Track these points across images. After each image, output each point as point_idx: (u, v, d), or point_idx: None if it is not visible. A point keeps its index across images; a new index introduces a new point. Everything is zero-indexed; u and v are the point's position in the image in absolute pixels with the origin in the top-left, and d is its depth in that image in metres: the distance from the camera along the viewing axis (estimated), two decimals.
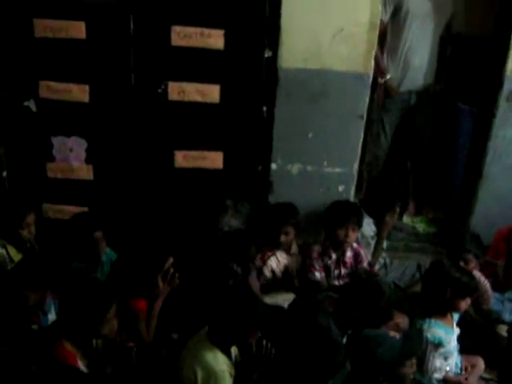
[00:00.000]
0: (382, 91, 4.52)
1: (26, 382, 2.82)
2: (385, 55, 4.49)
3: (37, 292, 3.21)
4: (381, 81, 4.44)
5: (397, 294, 3.98)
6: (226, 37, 3.71)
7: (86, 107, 3.85)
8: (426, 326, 3.25)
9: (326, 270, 4.02)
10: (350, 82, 3.83)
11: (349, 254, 4.05)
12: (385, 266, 4.40)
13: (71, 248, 3.73)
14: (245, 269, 3.65)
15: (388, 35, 4.44)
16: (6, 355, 2.96)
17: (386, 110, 4.61)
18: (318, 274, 3.98)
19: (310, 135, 3.95)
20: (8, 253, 3.66)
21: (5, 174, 4.07)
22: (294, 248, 4.04)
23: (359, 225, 4.01)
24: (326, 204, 4.03)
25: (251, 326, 2.99)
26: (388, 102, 4.60)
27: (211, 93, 3.81)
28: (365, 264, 4.07)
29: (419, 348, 3.11)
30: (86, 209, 4.07)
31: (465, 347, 3.49)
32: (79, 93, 3.80)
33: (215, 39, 3.71)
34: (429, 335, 3.22)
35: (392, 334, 3.04)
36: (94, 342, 3.02)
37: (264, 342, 3.02)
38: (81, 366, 2.83)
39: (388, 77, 4.50)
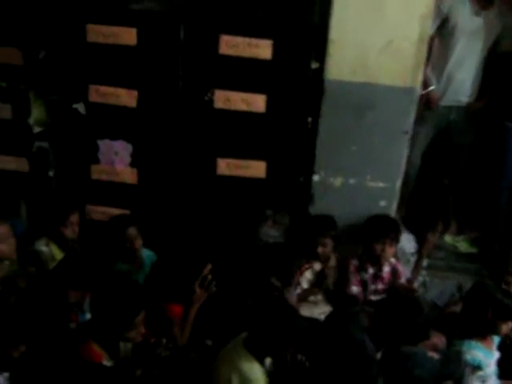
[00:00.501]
0: (422, 102, 4.44)
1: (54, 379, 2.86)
2: (429, 67, 4.43)
3: (77, 291, 3.26)
4: (422, 92, 4.37)
5: (435, 313, 3.92)
6: (274, 47, 3.72)
7: (133, 112, 3.91)
8: (465, 348, 3.19)
9: (363, 284, 3.99)
10: (396, 96, 3.79)
11: (386, 269, 4.01)
12: (424, 284, 4.34)
13: (114, 249, 3.78)
14: (285, 283, 3.65)
15: (433, 48, 4.39)
16: (42, 351, 3.01)
17: (422, 122, 4.47)
18: (354, 288, 3.95)
19: (354, 148, 3.92)
20: (51, 251, 3.74)
21: (52, 173, 4.16)
22: (333, 261, 4.01)
23: (397, 240, 3.97)
24: (367, 218, 3.99)
25: (289, 341, 2.99)
26: (426, 114, 4.51)
27: (256, 102, 3.83)
28: (402, 280, 4.03)
29: (458, 370, 3.05)
30: (127, 211, 4.12)
31: (504, 372, 3.41)
32: (127, 98, 3.87)
33: (263, 49, 3.73)
34: (468, 357, 3.15)
35: (430, 353, 2.99)
36: (123, 344, 3.06)
37: (299, 356, 3.00)
38: None
39: (431, 88, 4.45)
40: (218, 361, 3.14)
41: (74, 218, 3.81)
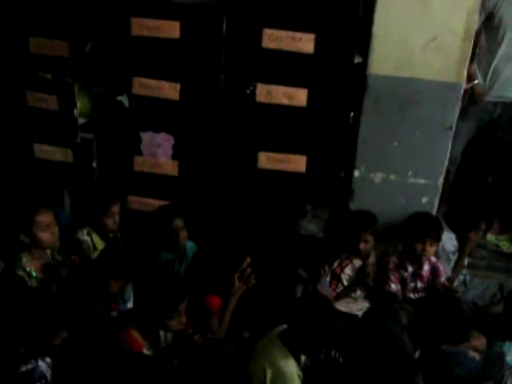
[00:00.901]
0: (466, 97, 4.35)
1: (94, 366, 2.92)
2: (475, 62, 4.33)
3: (119, 281, 3.31)
4: (467, 86, 4.27)
5: (475, 313, 3.86)
6: (317, 41, 3.70)
7: (175, 105, 3.94)
8: (506, 349, 3.14)
9: (402, 282, 3.94)
10: (440, 91, 3.74)
11: (426, 267, 3.96)
12: (464, 283, 4.28)
13: (156, 239, 3.82)
14: (314, 275, 3.63)
15: (479, 43, 4.30)
16: (83, 339, 3.07)
17: (464, 117, 4.36)
18: (393, 286, 3.91)
19: (396, 144, 3.88)
20: (92, 240, 3.80)
21: (95, 164, 4.23)
22: (372, 258, 3.98)
23: (438, 239, 3.91)
24: (407, 215, 3.95)
25: (327, 339, 2.98)
26: (469, 109, 4.41)
27: (298, 96, 3.82)
28: (442, 279, 3.97)
29: (500, 372, 3.00)
30: (169, 203, 4.15)
31: None
32: (170, 90, 3.90)
33: (306, 43, 3.71)
34: (509, 359, 3.10)
35: (471, 354, 2.95)
36: (163, 333, 3.10)
37: (333, 352, 3.00)
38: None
39: (476, 82, 4.36)
40: (253, 353, 3.16)
41: (116, 208, 3.86)
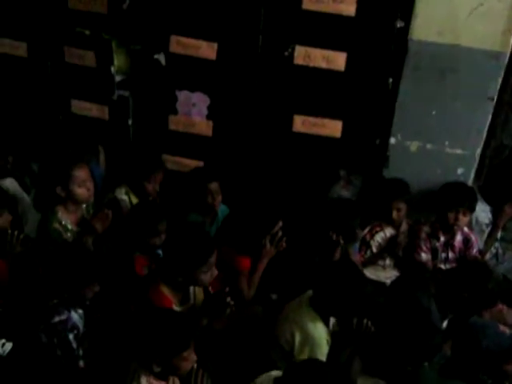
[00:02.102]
0: None
1: (124, 323, 2.98)
2: None
3: (154, 237, 3.36)
4: None
5: (506, 287, 3.82)
6: (358, 3, 3.61)
7: (212, 64, 3.91)
8: None
9: (433, 252, 3.93)
10: (483, 60, 3.63)
11: (458, 238, 3.94)
12: (496, 256, 4.24)
13: (188, 200, 3.85)
14: (346, 239, 3.63)
15: None
16: (114, 293, 3.14)
17: None
18: (424, 255, 3.90)
19: (434, 112, 3.81)
20: (130, 200, 3.84)
21: (130, 122, 4.25)
22: (404, 226, 3.96)
23: (472, 209, 3.86)
24: (441, 185, 3.91)
25: (354, 302, 2.99)
26: None
27: (337, 60, 3.75)
28: (475, 250, 3.94)
29: None
30: (202, 163, 4.18)
31: None
32: (207, 50, 3.87)
33: (347, 5, 3.62)
34: None
35: (502, 328, 2.92)
36: (193, 290, 3.14)
37: (364, 320, 3.01)
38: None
39: None
40: (281, 316, 3.19)
41: (159, 176, 3.88)
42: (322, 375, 2.44)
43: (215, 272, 2.99)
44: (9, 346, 2.35)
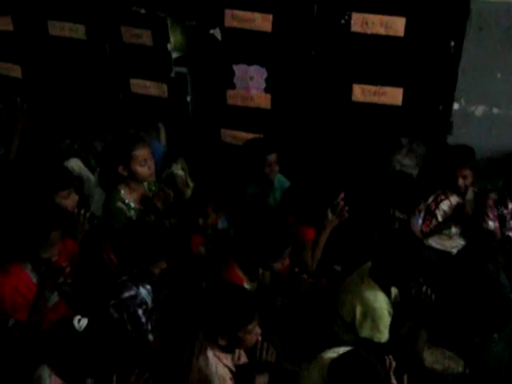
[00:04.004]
0: None
1: (195, 299, 3.04)
2: None
3: (217, 213, 3.41)
4: None
5: None
6: None
7: (268, 36, 3.88)
8: None
9: (501, 219, 3.80)
10: None
11: None
12: None
13: (246, 172, 3.86)
14: (405, 213, 3.56)
15: None
16: (178, 273, 3.20)
17: None
18: (491, 224, 3.78)
19: (499, 75, 3.67)
20: (186, 175, 3.89)
21: (189, 98, 4.28)
22: (470, 194, 3.85)
23: None
24: (509, 151, 3.78)
25: (414, 272, 2.95)
26: None
27: (395, 25, 3.64)
28: None
29: None
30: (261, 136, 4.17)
31: None
32: (263, 22, 3.83)
33: None
34: None
35: None
36: (261, 270, 3.17)
37: (424, 288, 2.97)
38: None
39: None
40: (342, 288, 3.19)
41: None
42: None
43: (287, 261, 3.02)
44: (84, 321, 2.43)
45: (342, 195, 3.37)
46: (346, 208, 3.38)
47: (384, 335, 2.99)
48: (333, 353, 2.58)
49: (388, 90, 3.84)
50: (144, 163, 3.41)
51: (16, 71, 4.70)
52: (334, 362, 2.42)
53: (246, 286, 3.01)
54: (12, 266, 2.95)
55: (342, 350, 2.57)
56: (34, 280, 2.97)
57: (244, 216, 3.68)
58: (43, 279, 2.92)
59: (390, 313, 3.01)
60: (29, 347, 2.85)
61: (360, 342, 2.99)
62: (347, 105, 3.94)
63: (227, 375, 2.61)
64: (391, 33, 3.66)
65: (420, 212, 3.72)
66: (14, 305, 2.88)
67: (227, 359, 2.65)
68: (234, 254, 3.07)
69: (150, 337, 3.01)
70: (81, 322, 2.43)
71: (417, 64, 3.76)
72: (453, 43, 3.65)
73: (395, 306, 3.06)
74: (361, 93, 3.88)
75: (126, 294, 2.95)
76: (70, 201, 3.33)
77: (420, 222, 3.76)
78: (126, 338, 2.92)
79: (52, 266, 2.92)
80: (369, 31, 3.69)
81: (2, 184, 3.85)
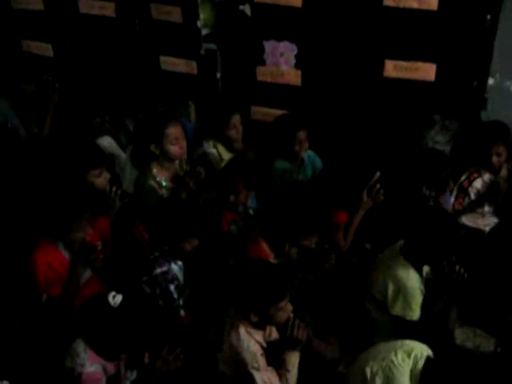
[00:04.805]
0: None
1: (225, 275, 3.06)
2: None
3: (248, 190, 3.41)
4: None
5: None
6: None
7: (298, 12, 3.83)
8: None
9: None
10: None
11: None
12: None
13: (275, 149, 3.85)
14: (437, 192, 3.52)
15: None
16: (209, 250, 3.22)
17: None
18: None
19: None
20: (219, 152, 3.89)
21: (218, 75, 4.27)
22: (504, 172, 3.78)
23: None
24: None
25: (447, 250, 2.92)
26: None
27: None
28: None
29: None
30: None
31: None
32: None
33: None
34: None
35: None
36: (287, 246, 3.16)
37: (457, 266, 2.94)
38: None
39: None
40: (374, 266, 3.18)
41: (236, 119, 3.86)
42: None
43: (316, 239, 3.01)
44: (119, 297, 2.47)
45: (378, 175, 3.33)
46: (382, 191, 3.36)
47: (416, 313, 2.97)
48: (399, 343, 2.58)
49: (421, 65, 3.77)
50: (176, 142, 3.42)
51: (47, 50, 4.75)
52: None
53: (273, 262, 3.01)
54: (45, 242, 3.00)
55: (408, 344, 2.57)
56: (67, 256, 3.02)
57: (271, 192, 3.67)
58: (76, 257, 2.97)
59: (422, 291, 3.00)
60: (63, 322, 2.91)
61: (391, 320, 2.99)
62: (379, 81, 3.88)
63: (258, 351, 2.63)
64: (424, 6, 3.58)
65: (452, 190, 3.67)
66: (47, 280, 2.94)
67: (258, 335, 2.67)
68: (262, 230, 3.07)
69: (182, 312, 3.04)
70: (115, 298, 2.47)
71: (451, 39, 3.67)
72: (489, 17, 3.55)
73: (426, 283, 3.04)
74: (393, 68, 3.82)
75: (158, 270, 2.99)
76: (101, 179, 3.35)
77: (452, 199, 3.72)
78: (158, 313, 2.97)
79: (84, 244, 2.97)
80: (401, 5, 3.61)
81: (35, 162, 3.91)
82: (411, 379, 2.45)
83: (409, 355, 2.49)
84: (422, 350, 2.51)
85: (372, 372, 2.52)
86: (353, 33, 3.83)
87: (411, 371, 2.48)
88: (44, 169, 3.68)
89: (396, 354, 2.53)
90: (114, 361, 2.62)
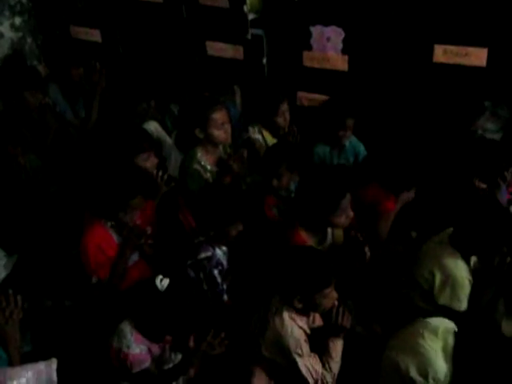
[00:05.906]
0: None
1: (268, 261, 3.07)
2: None
3: (292, 173, 3.39)
4: None
5: None
6: None
7: None
8: None
9: None
10: None
11: None
12: None
13: (319, 133, 3.81)
14: (494, 184, 3.44)
15: None
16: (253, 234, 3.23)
17: None
18: None
19: None
20: (264, 138, 3.89)
21: (265, 60, 4.25)
22: None
23: None
24: None
25: (497, 241, 2.86)
26: None
27: None
28: None
29: None
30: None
31: None
32: None
33: None
34: None
35: None
36: (331, 231, 3.14)
37: (508, 258, 2.88)
38: None
39: None
40: (421, 254, 3.13)
41: (284, 106, 3.88)
42: None
43: (351, 213, 2.97)
44: (166, 281, 2.51)
45: None
46: None
47: (463, 304, 2.93)
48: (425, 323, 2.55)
49: (471, 50, 3.67)
50: (221, 126, 3.43)
51: (95, 35, 4.81)
52: None
53: None
54: (95, 224, 3.06)
55: (435, 321, 2.53)
56: (115, 238, 3.07)
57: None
58: (125, 240, 3.02)
59: (470, 281, 2.95)
60: (111, 303, 2.97)
61: (437, 310, 2.96)
62: (428, 66, 3.79)
63: (302, 337, 2.64)
64: None
65: (505, 180, 3.58)
66: (96, 263, 3.00)
67: (302, 321, 2.67)
68: (299, 218, 3.05)
69: (226, 297, 3.07)
70: (163, 282, 2.51)
71: (503, 23, 3.56)
72: None
73: (474, 274, 2.99)
74: (442, 53, 3.73)
75: (203, 255, 3.03)
76: (149, 163, 3.40)
77: (505, 190, 3.64)
78: (203, 297, 3.00)
79: (134, 228, 3.01)
80: None
81: (85, 146, 3.98)
82: (445, 357, 2.42)
83: (436, 334, 2.46)
84: (446, 325, 2.48)
85: (405, 364, 2.53)
86: (401, 17, 3.75)
87: (443, 349, 2.46)
88: (94, 152, 3.75)
89: (423, 337, 2.50)
90: (159, 342, 2.66)
